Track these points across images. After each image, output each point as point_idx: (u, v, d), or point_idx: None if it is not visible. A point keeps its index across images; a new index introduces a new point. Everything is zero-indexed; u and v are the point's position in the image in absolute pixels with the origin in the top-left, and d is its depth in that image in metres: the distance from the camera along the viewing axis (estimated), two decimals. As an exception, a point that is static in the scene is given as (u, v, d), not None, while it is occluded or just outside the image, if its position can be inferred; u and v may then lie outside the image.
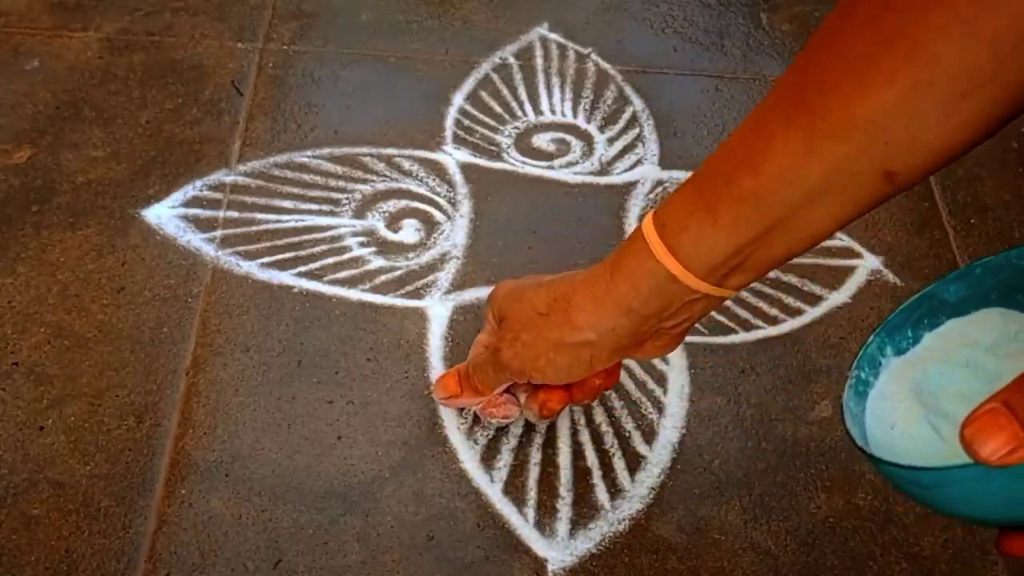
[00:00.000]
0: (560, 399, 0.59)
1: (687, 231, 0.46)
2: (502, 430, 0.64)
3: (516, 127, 0.82)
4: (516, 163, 0.79)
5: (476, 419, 0.64)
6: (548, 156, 0.80)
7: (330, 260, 0.72)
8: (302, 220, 0.74)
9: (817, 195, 0.42)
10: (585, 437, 0.64)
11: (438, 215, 0.75)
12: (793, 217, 0.43)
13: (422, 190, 0.77)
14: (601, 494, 0.62)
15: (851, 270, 0.75)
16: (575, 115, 0.83)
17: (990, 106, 0.36)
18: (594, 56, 0.89)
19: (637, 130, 0.83)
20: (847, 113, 0.39)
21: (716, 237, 0.46)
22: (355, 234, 0.74)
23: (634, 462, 0.63)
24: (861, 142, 0.39)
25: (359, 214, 0.75)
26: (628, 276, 0.49)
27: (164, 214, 0.73)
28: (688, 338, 0.69)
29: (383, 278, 0.71)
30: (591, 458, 0.63)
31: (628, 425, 0.65)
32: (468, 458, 0.63)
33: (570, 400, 0.60)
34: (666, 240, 0.47)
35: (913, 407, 0.40)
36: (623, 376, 0.67)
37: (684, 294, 0.48)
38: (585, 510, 0.61)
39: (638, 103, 0.85)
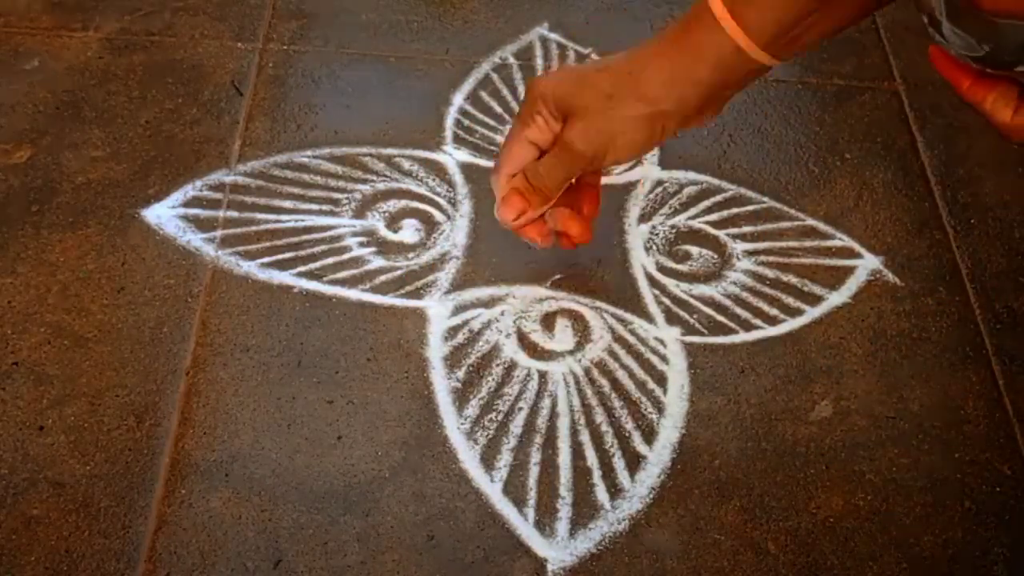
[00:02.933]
0: (579, 231, 0.65)
1: (752, 5, 0.52)
2: (502, 430, 0.64)
3: (516, 127, 0.82)
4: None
5: (476, 419, 0.64)
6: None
7: (330, 260, 0.72)
8: (302, 220, 0.74)
9: None
10: (585, 437, 0.64)
11: (438, 215, 0.75)
12: None
13: (422, 190, 0.77)
14: (601, 494, 0.62)
15: (851, 270, 0.75)
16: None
17: None
18: (594, 56, 0.89)
19: (637, 130, 0.83)
20: None
21: (781, 7, 0.51)
22: (355, 234, 0.74)
23: (634, 462, 0.63)
24: None
25: (359, 214, 0.75)
26: (696, 48, 0.54)
27: (164, 214, 0.73)
28: (688, 338, 0.70)
29: (383, 278, 0.71)
30: (591, 458, 0.63)
31: (628, 425, 0.65)
32: (468, 458, 0.63)
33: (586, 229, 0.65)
34: (734, 14, 0.52)
35: None
36: (623, 376, 0.67)
37: (747, 64, 0.54)
38: (585, 510, 0.61)
39: (638, 103, 0.85)
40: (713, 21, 0.53)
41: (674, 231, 0.76)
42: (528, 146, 0.61)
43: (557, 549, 0.59)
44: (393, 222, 0.75)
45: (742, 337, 0.70)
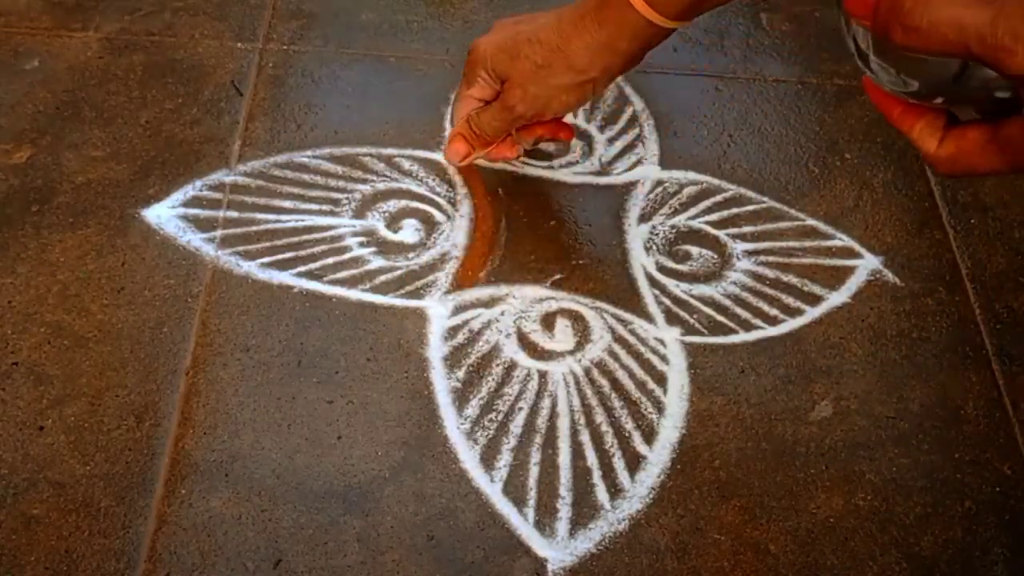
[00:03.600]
0: (549, 129, 0.73)
1: None
2: (502, 430, 0.64)
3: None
4: (516, 163, 0.79)
5: (476, 419, 0.64)
6: (548, 156, 0.80)
7: (330, 260, 0.72)
8: (302, 220, 0.74)
9: None
10: (585, 437, 0.64)
11: (438, 215, 0.75)
12: None
13: (422, 190, 0.77)
14: (601, 494, 0.62)
15: (851, 270, 0.75)
16: (575, 115, 0.83)
17: None
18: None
19: (637, 130, 0.83)
20: None
21: None
22: (355, 234, 0.74)
23: (634, 462, 0.63)
24: None
25: (359, 214, 0.75)
26: (614, 24, 0.62)
27: (164, 214, 0.73)
28: (688, 338, 0.70)
29: (383, 278, 0.71)
30: (591, 458, 0.63)
31: (628, 425, 0.65)
32: (468, 458, 0.63)
33: (555, 133, 0.73)
34: None
35: None
36: (623, 376, 0.67)
37: (660, 31, 0.63)
38: (585, 510, 0.61)
39: (638, 103, 0.85)
40: (626, 2, 0.61)
41: (674, 231, 0.76)
42: (473, 102, 0.72)
43: (557, 549, 0.59)
44: (393, 222, 0.75)
45: (742, 337, 0.70)
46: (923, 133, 0.38)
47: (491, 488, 0.61)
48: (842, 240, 0.77)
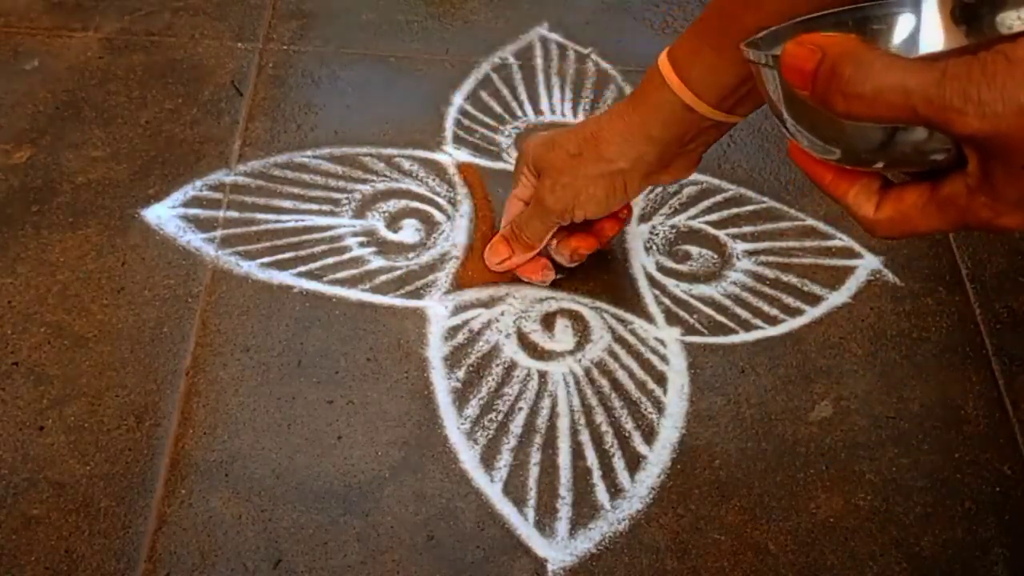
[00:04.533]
0: (589, 244, 0.68)
1: (697, 65, 0.54)
2: (502, 430, 0.64)
3: (516, 127, 0.82)
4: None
5: (476, 419, 0.64)
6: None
7: (330, 260, 0.72)
8: (302, 220, 0.74)
9: None
10: (585, 437, 0.64)
11: (438, 215, 0.75)
12: None
13: (422, 190, 0.77)
14: (601, 494, 0.62)
15: (851, 270, 0.75)
16: (575, 115, 0.83)
17: None
18: (594, 56, 0.89)
19: (637, 130, 0.83)
20: None
21: (723, 70, 0.53)
22: (355, 234, 0.74)
23: (634, 462, 0.63)
24: None
25: (359, 214, 0.75)
26: (649, 108, 0.57)
27: (164, 214, 0.73)
28: (688, 338, 0.70)
29: (383, 278, 0.71)
30: (591, 458, 0.63)
31: (628, 425, 0.65)
32: (468, 458, 0.63)
33: (596, 245, 0.68)
34: (680, 74, 0.55)
35: None
36: (623, 376, 0.67)
37: (698, 121, 0.56)
38: (585, 510, 0.61)
39: (638, 103, 0.85)
40: (662, 82, 0.56)
41: (674, 231, 0.76)
42: (517, 203, 0.68)
43: (557, 549, 0.59)
44: (393, 222, 0.75)
45: (742, 337, 0.70)
46: (859, 198, 0.36)
47: (491, 488, 0.61)
48: (842, 240, 0.77)
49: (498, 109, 0.83)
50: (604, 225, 0.67)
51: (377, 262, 0.72)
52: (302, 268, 0.71)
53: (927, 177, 0.34)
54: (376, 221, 0.74)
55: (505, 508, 0.61)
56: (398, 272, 0.72)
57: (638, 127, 0.58)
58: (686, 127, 0.57)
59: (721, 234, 0.76)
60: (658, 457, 0.64)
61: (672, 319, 0.71)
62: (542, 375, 0.67)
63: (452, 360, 0.67)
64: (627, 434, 0.64)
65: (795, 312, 0.72)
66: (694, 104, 0.55)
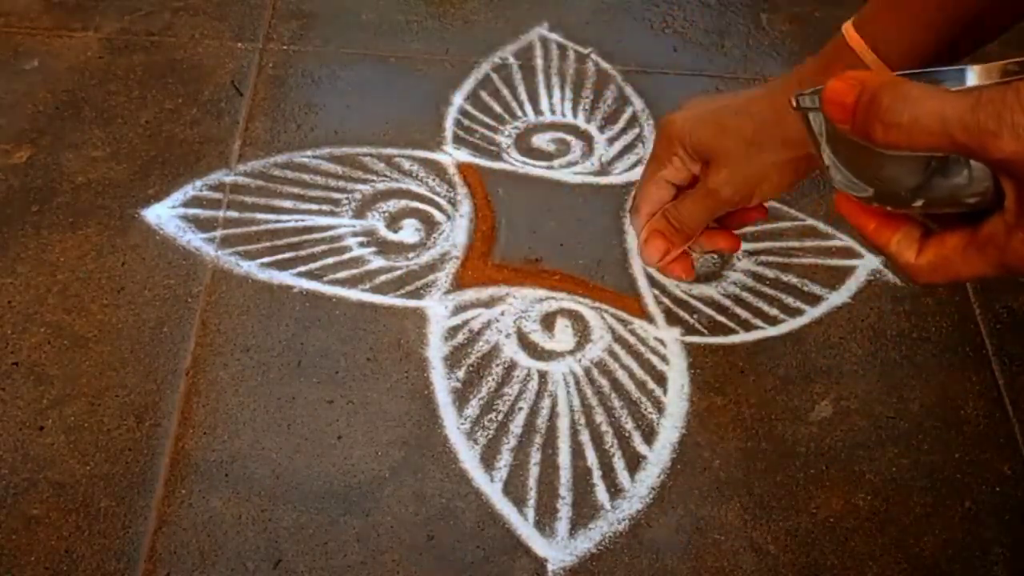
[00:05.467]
0: (732, 246, 0.61)
1: (890, 33, 0.51)
2: (502, 430, 0.64)
3: (516, 127, 0.82)
4: (516, 163, 0.79)
5: (476, 419, 0.64)
6: (548, 156, 0.80)
7: (330, 260, 0.72)
8: (302, 220, 0.74)
9: None
10: (585, 437, 0.64)
11: (438, 215, 0.75)
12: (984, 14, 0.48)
13: (422, 190, 0.77)
14: (601, 494, 0.62)
15: (851, 270, 0.75)
16: (575, 115, 0.83)
17: None
18: (594, 56, 0.89)
19: (637, 130, 0.83)
20: None
21: (916, 36, 0.50)
22: (355, 234, 0.74)
23: (634, 462, 0.63)
24: None
25: (359, 214, 0.75)
26: None
27: (164, 214, 0.73)
28: (688, 338, 0.70)
29: (383, 278, 0.71)
30: (591, 458, 0.63)
31: (628, 425, 0.65)
32: (468, 458, 0.63)
33: (739, 246, 0.62)
34: (868, 41, 0.51)
35: None
36: (623, 376, 0.67)
37: None
38: (585, 510, 0.61)
39: (638, 103, 0.85)
40: (852, 55, 0.52)
41: (674, 231, 0.76)
42: (666, 186, 0.60)
43: (557, 549, 0.59)
44: (393, 222, 0.75)
45: (742, 337, 0.70)
46: (901, 245, 0.37)
47: (491, 488, 0.61)
48: (842, 240, 0.77)
49: (498, 109, 0.83)
50: (749, 214, 0.62)
51: (377, 262, 0.72)
52: (302, 268, 0.71)
53: (968, 221, 0.35)
54: (376, 221, 0.74)
55: (505, 508, 0.61)
56: (398, 272, 0.72)
57: None
58: None
59: (721, 234, 0.76)
60: (658, 457, 0.64)
61: (672, 319, 0.71)
62: (542, 375, 0.67)
63: (452, 360, 0.67)
64: (627, 434, 0.64)
65: (795, 312, 0.72)
66: (883, 71, 0.53)
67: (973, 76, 0.39)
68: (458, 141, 0.81)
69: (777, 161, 0.56)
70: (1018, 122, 0.29)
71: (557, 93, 0.85)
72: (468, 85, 0.85)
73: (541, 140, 0.81)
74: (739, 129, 0.56)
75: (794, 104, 0.37)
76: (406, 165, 0.78)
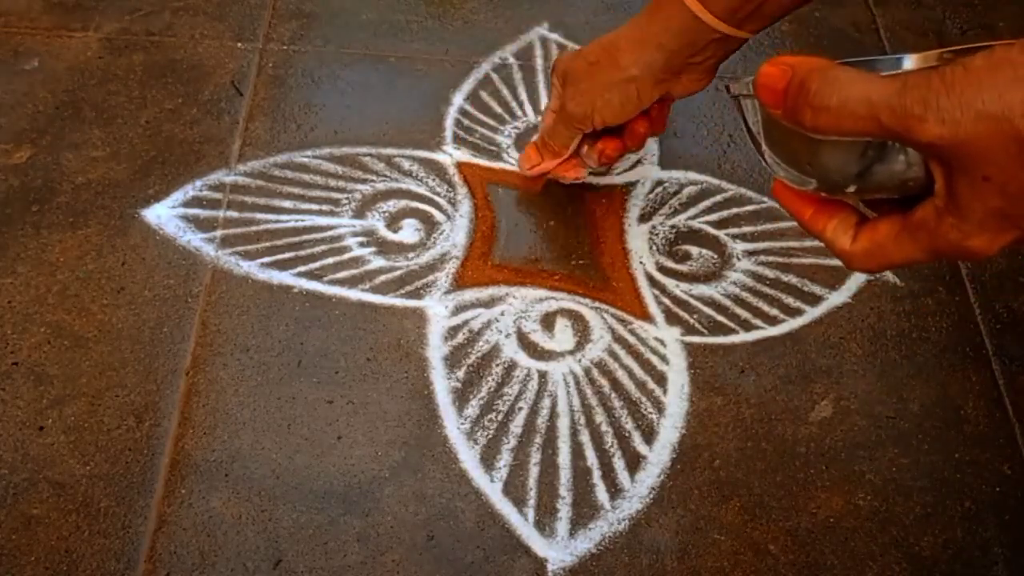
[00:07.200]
0: (615, 147, 0.69)
1: None
2: (502, 430, 0.64)
3: (516, 127, 0.82)
4: (516, 163, 0.79)
5: (476, 419, 0.64)
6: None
7: (330, 260, 0.72)
8: (302, 220, 0.74)
9: None
10: (585, 437, 0.64)
11: (438, 215, 0.75)
12: None
13: (422, 190, 0.77)
14: (601, 494, 0.62)
15: (851, 270, 0.75)
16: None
17: None
18: (594, 56, 0.89)
19: (637, 130, 0.83)
20: None
21: None
22: (355, 234, 0.74)
23: (634, 462, 0.63)
24: None
25: (359, 214, 0.75)
26: (660, 18, 0.60)
27: (164, 214, 0.73)
28: (688, 338, 0.70)
29: (383, 278, 0.71)
30: (591, 458, 0.63)
31: (628, 425, 0.65)
32: (468, 458, 0.63)
33: (624, 148, 0.70)
34: None
35: None
36: (623, 376, 0.67)
37: (707, 33, 0.59)
38: (585, 510, 0.61)
39: (638, 103, 0.85)
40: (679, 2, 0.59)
41: (674, 231, 0.76)
42: (550, 114, 0.70)
43: (557, 549, 0.59)
44: (393, 222, 0.75)
45: (742, 337, 0.70)
46: (836, 232, 0.37)
47: (491, 488, 0.61)
48: (842, 240, 0.77)
49: (498, 109, 0.83)
50: (633, 127, 0.68)
51: (377, 262, 0.72)
52: (302, 268, 0.71)
53: (902, 207, 0.34)
54: (376, 221, 0.74)
55: (505, 508, 0.61)
56: (398, 272, 0.72)
57: (650, 36, 0.61)
58: (694, 37, 0.59)
59: (721, 234, 0.76)
60: (658, 457, 0.64)
61: (672, 319, 0.71)
62: (542, 375, 0.67)
63: (452, 360, 0.67)
64: (627, 434, 0.65)
65: (795, 312, 0.72)
66: (702, 15, 0.58)
67: (910, 64, 0.39)
68: (458, 141, 0.81)
69: (608, 81, 0.64)
70: (943, 106, 0.29)
71: (557, 93, 0.85)
72: (468, 85, 0.85)
73: (541, 140, 0.81)
74: (586, 54, 0.65)
75: (727, 92, 0.38)
76: (406, 165, 0.78)
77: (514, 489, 0.61)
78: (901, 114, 0.30)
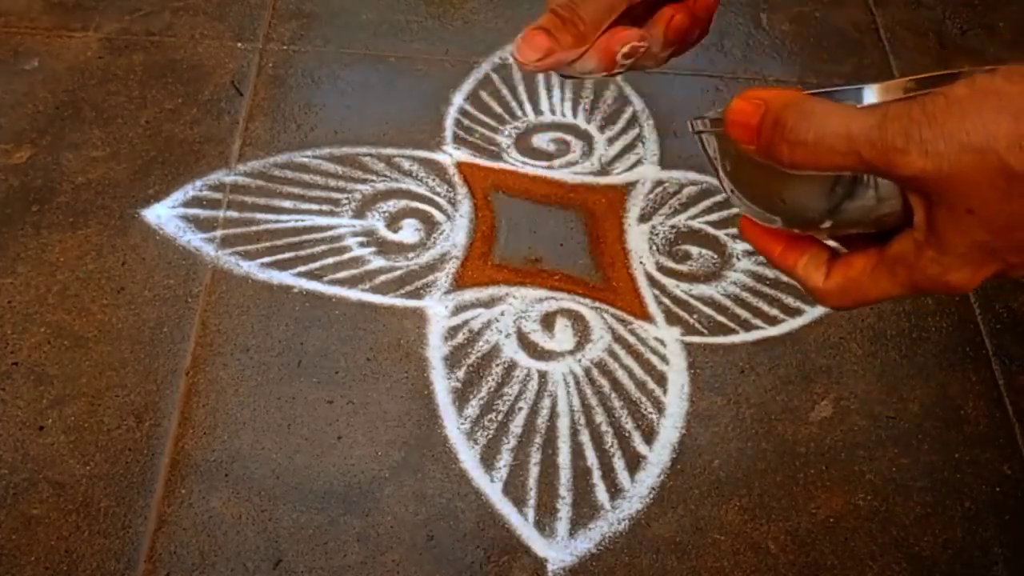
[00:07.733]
0: (683, 19, 0.48)
1: None
2: (502, 430, 0.64)
3: (516, 127, 0.82)
4: (516, 163, 0.79)
5: (476, 419, 0.64)
6: (548, 156, 0.80)
7: (330, 260, 0.72)
8: (302, 220, 0.74)
9: None
10: (585, 437, 0.64)
11: (438, 215, 0.75)
12: None
13: (422, 190, 0.77)
14: (601, 494, 0.62)
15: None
16: (575, 115, 0.83)
17: None
18: (594, 56, 0.89)
19: (637, 130, 0.83)
20: None
21: None
22: (355, 234, 0.74)
23: (634, 462, 0.63)
24: None
25: (359, 214, 0.75)
26: None
27: (164, 214, 0.73)
28: (688, 338, 0.70)
29: (383, 278, 0.71)
30: (591, 458, 0.63)
31: (628, 425, 0.65)
32: (468, 458, 0.63)
33: (690, 23, 0.50)
34: None
35: None
36: (623, 376, 0.67)
37: None
38: (585, 510, 0.61)
39: (638, 103, 0.85)
40: None
41: (674, 231, 0.76)
42: None
43: (557, 549, 0.59)
44: (393, 222, 0.75)
45: (742, 337, 0.70)
46: (807, 269, 0.36)
47: (491, 488, 0.61)
48: (842, 240, 0.77)
49: (498, 109, 0.83)
50: (665, 12, 0.52)
51: (377, 262, 0.72)
52: (302, 268, 0.71)
53: (877, 241, 0.34)
54: (376, 221, 0.74)
55: (505, 508, 0.61)
56: (398, 272, 0.72)
57: None
58: None
59: (721, 234, 0.76)
60: (658, 457, 0.64)
61: (672, 319, 0.71)
62: (542, 375, 0.67)
63: (452, 360, 0.67)
64: (627, 434, 0.64)
65: (795, 312, 0.72)
66: None
67: (872, 94, 0.38)
68: (458, 141, 0.81)
69: None
70: (926, 137, 0.29)
71: (557, 93, 0.85)
72: (468, 85, 0.85)
73: (541, 140, 0.81)
74: None
75: (690, 128, 0.37)
76: (406, 165, 0.78)
77: (514, 489, 0.61)
78: (882, 148, 0.29)
